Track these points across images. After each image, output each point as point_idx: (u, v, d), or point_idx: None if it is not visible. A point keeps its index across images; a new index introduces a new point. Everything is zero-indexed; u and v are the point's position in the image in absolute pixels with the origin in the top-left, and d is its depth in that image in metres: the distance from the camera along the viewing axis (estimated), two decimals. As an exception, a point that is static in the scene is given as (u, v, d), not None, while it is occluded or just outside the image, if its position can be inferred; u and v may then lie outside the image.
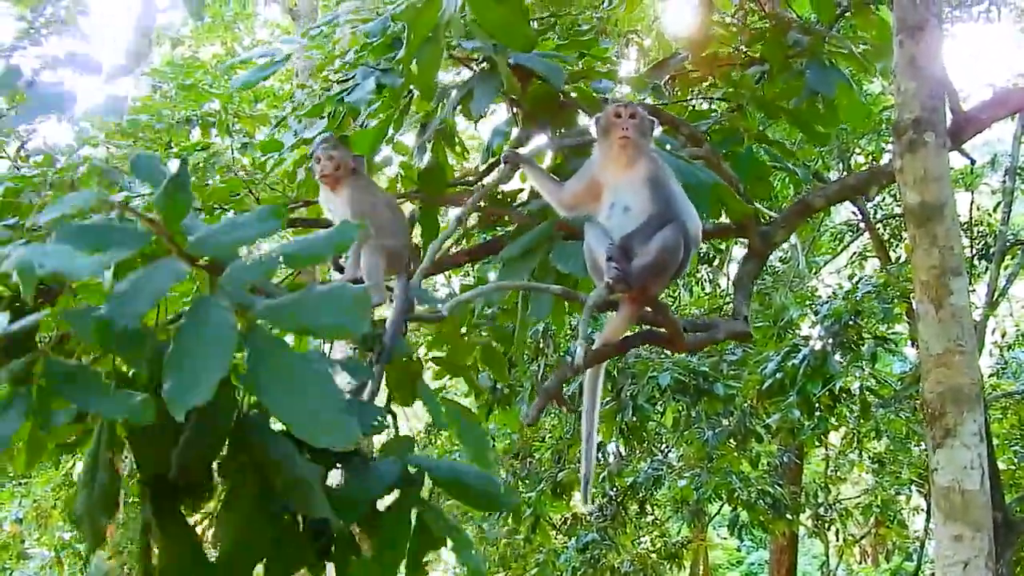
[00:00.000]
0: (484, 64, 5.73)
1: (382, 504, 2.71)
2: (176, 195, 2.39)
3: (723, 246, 15.27)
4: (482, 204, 5.79)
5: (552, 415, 14.90)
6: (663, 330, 5.01)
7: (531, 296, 5.63)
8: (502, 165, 5.30)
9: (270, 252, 2.40)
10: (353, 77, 6.06)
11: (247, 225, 2.49)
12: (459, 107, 5.76)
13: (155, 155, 2.96)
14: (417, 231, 6.23)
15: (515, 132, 6.23)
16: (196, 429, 2.33)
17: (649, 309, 4.82)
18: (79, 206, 2.53)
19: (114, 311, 2.18)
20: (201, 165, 10.59)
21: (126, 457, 2.54)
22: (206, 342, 2.12)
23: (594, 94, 6.00)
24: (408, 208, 6.18)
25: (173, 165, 2.57)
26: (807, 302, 14.32)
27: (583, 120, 6.04)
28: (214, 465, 2.46)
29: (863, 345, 12.32)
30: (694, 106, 7.55)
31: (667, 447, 16.16)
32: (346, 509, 2.56)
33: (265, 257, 2.39)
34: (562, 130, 6.03)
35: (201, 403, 2.02)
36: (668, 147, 5.72)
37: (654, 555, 16.87)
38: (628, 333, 4.95)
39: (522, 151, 5.52)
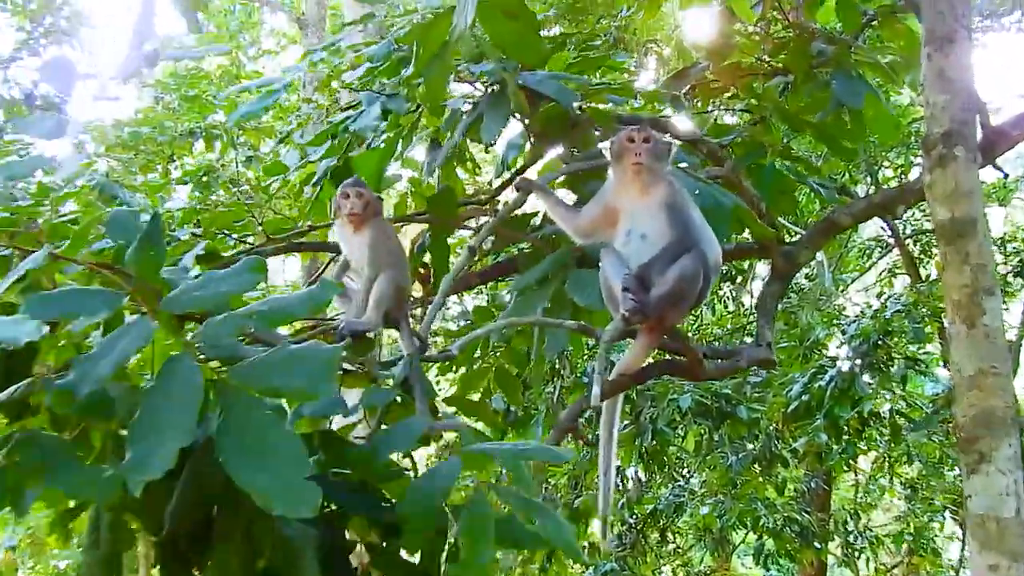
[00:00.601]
0: (493, 86, 5.75)
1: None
2: (149, 250, 2.41)
3: (746, 264, 15.24)
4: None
5: (569, 439, 14.87)
6: (683, 359, 5.01)
7: (548, 327, 5.61)
8: (515, 192, 5.32)
9: (246, 310, 2.40)
10: (358, 104, 6.09)
11: (226, 280, 2.51)
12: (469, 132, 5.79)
13: (129, 212, 2.93)
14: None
15: (528, 146, 6.24)
16: (186, 489, 2.33)
17: (668, 338, 4.83)
18: (30, 268, 2.54)
19: (75, 378, 2.21)
20: (205, 179, 10.67)
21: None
22: (170, 409, 2.13)
23: (608, 112, 6.00)
24: (409, 229, 6.21)
25: (147, 216, 2.56)
26: (834, 321, 14.23)
27: (598, 136, 6.04)
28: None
29: (893, 366, 12.26)
30: (715, 119, 7.54)
31: (689, 472, 16.07)
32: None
33: (238, 316, 2.39)
34: (575, 150, 6.03)
35: (159, 475, 2.02)
36: (686, 166, 5.71)
37: (676, 585, 16.81)
38: (646, 363, 4.95)
39: (535, 176, 5.54)
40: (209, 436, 2.18)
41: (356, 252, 5.01)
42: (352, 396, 3.44)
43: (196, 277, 2.57)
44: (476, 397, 6.70)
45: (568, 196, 5.99)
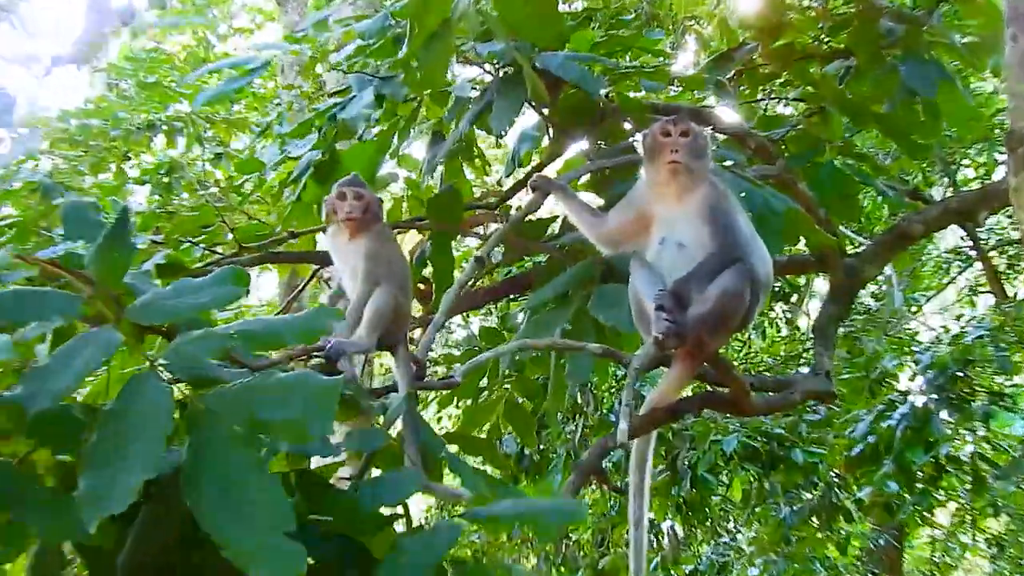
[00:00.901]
0: (506, 69, 5.74)
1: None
2: (114, 251, 2.40)
3: (803, 279, 15.22)
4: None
5: (593, 488, 14.85)
6: (726, 390, 5.01)
7: (568, 352, 5.60)
8: (529, 192, 5.32)
9: (228, 328, 2.40)
10: (347, 89, 6.09)
11: (204, 290, 2.50)
12: (477, 121, 5.79)
13: (85, 203, 2.93)
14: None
15: (546, 140, 6.25)
16: (144, 533, 2.32)
17: (709, 365, 4.82)
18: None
19: (26, 393, 2.19)
20: (166, 180, 10.68)
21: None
22: (134, 436, 2.12)
23: (640, 100, 6.02)
24: (406, 237, 6.22)
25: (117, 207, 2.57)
26: (905, 348, 14.20)
27: (627, 130, 6.06)
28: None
29: (975, 401, 12.21)
30: (765, 109, 7.56)
31: (735, 527, 16.04)
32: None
33: (219, 334, 2.39)
34: (602, 144, 6.04)
35: (120, 510, 2.01)
36: (731, 164, 5.71)
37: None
38: (683, 394, 4.94)
39: (553, 174, 5.54)
40: (175, 472, 2.17)
41: (350, 263, 4.97)
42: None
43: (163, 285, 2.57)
44: (483, 433, 6.71)
45: (592, 199, 6.01)
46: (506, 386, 7.04)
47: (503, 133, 5.63)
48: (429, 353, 4.88)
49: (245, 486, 2.15)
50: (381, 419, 3.79)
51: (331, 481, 3.15)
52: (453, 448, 4.57)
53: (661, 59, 7.42)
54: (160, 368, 2.29)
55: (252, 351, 2.71)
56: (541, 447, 12.55)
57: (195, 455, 2.18)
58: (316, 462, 3.33)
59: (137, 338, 2.42)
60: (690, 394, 5.13)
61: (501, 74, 5.86)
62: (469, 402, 7.10)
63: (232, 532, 2.10)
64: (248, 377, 2.38)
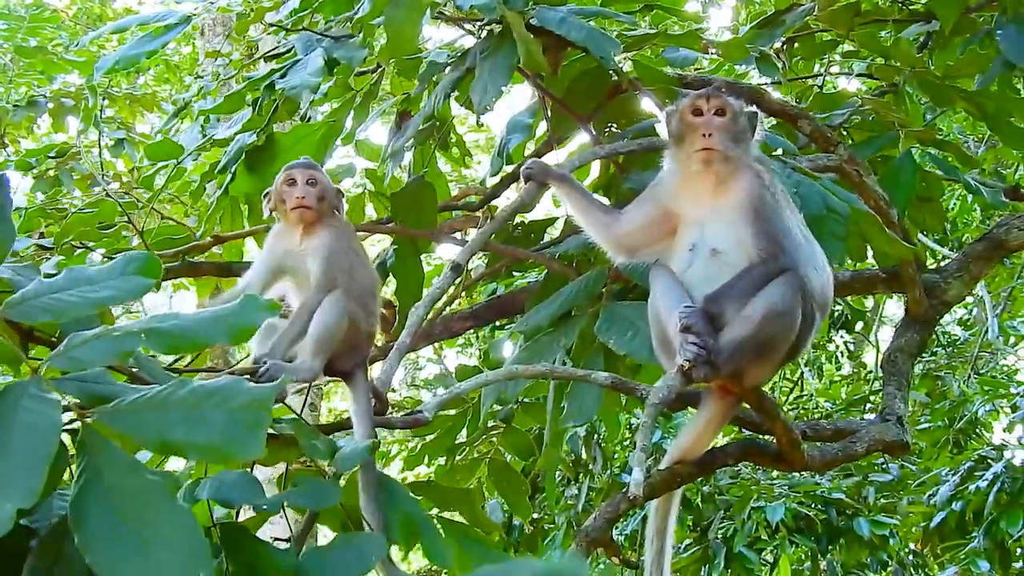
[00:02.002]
0: (492, 27, 5.71)
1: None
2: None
3: (870, 301, 15.24)
4: (492, 239, 5.77)
5: (601, 563, 14.83)
6: (771, 439, 5.00)
7: (568, 389, 5.58)
8: (522, 182, 5.24)
9: (130, 326, 2.39)
10: (291, 50, 6.06)
11: (101, 283, 2.49)
12: (455, 94, 5.77)
13: None
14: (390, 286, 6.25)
15: (543, 126, 6.23)
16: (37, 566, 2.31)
17: (749, 406, 4.81)
18: None
19: None
20: (52, 171, 10.65)
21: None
22: (8, 456, 2.09)
23: (663, 71, 6.02)
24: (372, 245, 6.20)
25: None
26: (1000, 390, 14.22)
27: (648, 108, 6.07)
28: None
29: (1089, 458, 12.25)
30: (823, 85, 7.57)
31: (782, 618, 16.03)
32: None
33: (119, 334, 2.38)
34: (614, 127, 6.04)
35: None
36: (781, 153, 5.72)
37: None
38: (715, 444, 4.94)
39: (552, 160, 5.51)
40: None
41: (301, 263, 4.92)
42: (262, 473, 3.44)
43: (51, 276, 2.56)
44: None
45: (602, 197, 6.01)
46: (491, 439, 7.01)
47: (487, 108, 5.45)
48: (391, 379, 4.80)
49: (147, 520, 2.13)
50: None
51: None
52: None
53: (690, 24, 7.40)
54: (46, 378, 2.28)
55: (172, 352, 2.69)
56: (535, 516, 12.53)
57: (85, 484, 2.15)
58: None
59: (17, 342, 2.41)
60: (725, 443, 5.12)
61: (485, 34, 5.81)
62: (443, 461, 7.08)
63: (128, 574, 2.08)
64: (154, 389, 2.35)
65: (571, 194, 5.11)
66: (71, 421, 2.25)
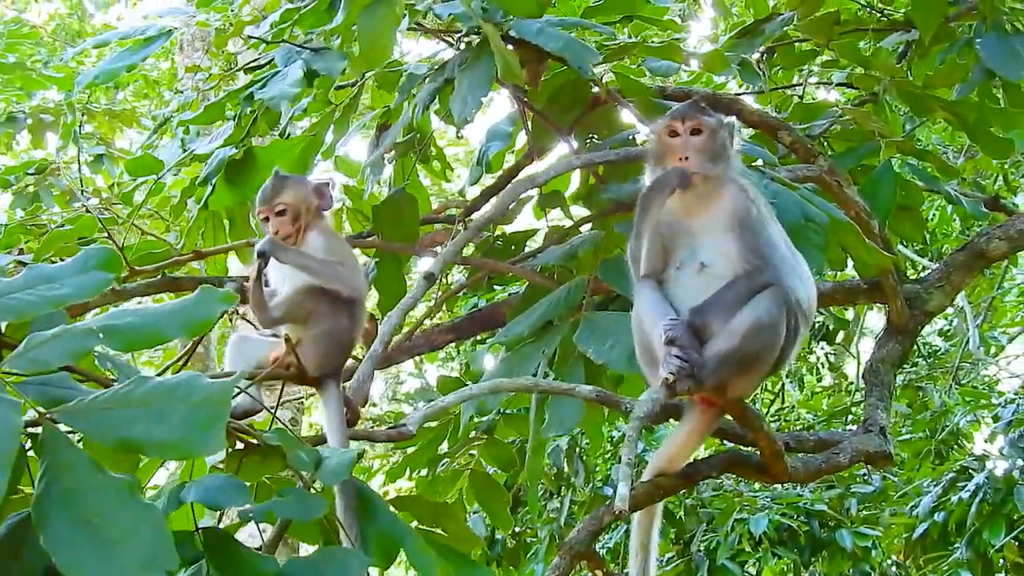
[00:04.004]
0: (471, 38, 5.69)
1: None
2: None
3: (851, 312, 15.25)
4: (471, 249, 5.76)
5: (582, 572, 14.81)
6: (753, 450, 5.00)
7: (549, 399, 5.56)
8: (498, 196, 5.22)
9: (87, 325, 2.38)
10: (270, 62, 6.04)
11: (61, 280, 2.48)
12: (435, 106, 5.76)
13: None
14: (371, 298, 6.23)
15: (523, 136, 6.22)
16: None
17: (732, 417, 4.81)
18: None
19: None
20: (31, 187, 10.62)
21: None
22: None
23: (645, 81, 6.02)
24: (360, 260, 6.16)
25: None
26: (982, 401, 14.23)
27: (629, 120, 6.06)
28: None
29: (1073, 468, 12.25)
30: (803, 95, 7.57)
31: (766, 630, 16.03)
32: None
33: (78, 331, 2.36)
34: (595, 138, 6.04)
35: None
36: (761, 164, 5.71)
37: None
38: (698, 454, 4.93)
39: (531, 171, 5.50)
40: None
41: (288, 278, 4.95)
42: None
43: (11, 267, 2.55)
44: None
45: (580, 211, 6.00)
46: (472, 452, 7.00)
47: (467, 120, 5.44)
48: (363, 389, 4.76)
49: (111, 518, 2.13)
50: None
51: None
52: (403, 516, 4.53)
53: (671, 32, 7.41)
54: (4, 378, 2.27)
55: (131, 349, 2.68)
56: (517, 529, 12.51)
57: (48, 484, 2.16)
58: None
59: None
60: (708, 455, 5.11)
61: (464, 46, 5.80)
62: (424, 472, 7.06)
63: (94, 573, 2.08)
64: (114, 388, 2.35)
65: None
66: (32, 423, 2.24)
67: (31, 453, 2.27)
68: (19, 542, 2.17)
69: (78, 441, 2.32)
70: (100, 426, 2.24)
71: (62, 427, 2.26)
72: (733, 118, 4.85)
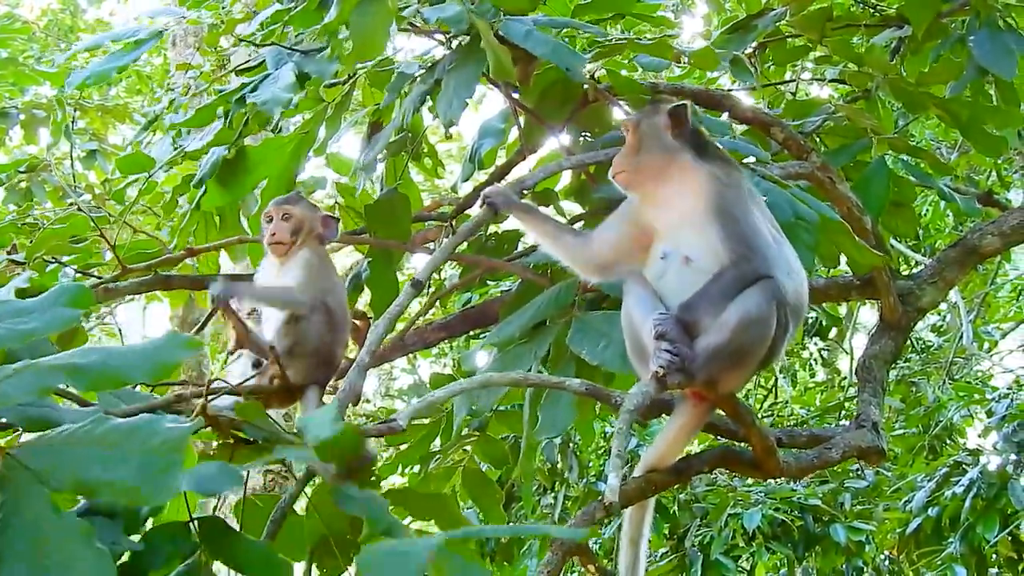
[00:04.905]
0: (461, 38, 5.69)
1: None
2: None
3: (844, 308, 15.25)
4: (464, 246, 5.75)
5: (575, 570, 14.79)
6: (745, 445, 5.01)
7: (541, 400, 5.54)
8: (480, 207, 5.24)
9: (55, 360, 2.38)
10: (262, 63, 6.03)
11: (31, 313, 2.50)
12: (428, 104, 5.75)
13: None
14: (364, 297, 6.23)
15: (515, 132, 6.22)
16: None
17: (724, 412, 4.83)
18: None
19: None
20: (23, 184, 10.60)
21: None
22: None
23: (636, 77, 6.01)
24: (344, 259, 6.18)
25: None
26: (975, 396, 14.23)
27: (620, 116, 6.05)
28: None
29: (1065, 463, 12.24)
30: (795, 92, 7.58)
31: (759, 625, 16.01)
32: None
33: (43, 368, 2.37)
34: (586, 135, 6.03)
35: None
36: (753, 161, 5.71)
37: None
38: (691, 450, 4.93)
39: (523, 169, 5.50)
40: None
41: (278, 280, 5.09)
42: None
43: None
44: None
45: (574, 208, 5.99)
46: (465, 448, 6.99)
47: (453, 120, 5.43)
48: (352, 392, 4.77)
49: (64, 560, 2.13)
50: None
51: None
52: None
53: (663, 28, 7.40)
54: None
55: (94, 389, 2.68)
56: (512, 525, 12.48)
57: (5, 519, 2.16)
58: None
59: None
60: (700, 450, 5.11)
61: (454, 46, 5.80)
62: (416, 469, 7.06)
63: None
64: (74, 426, 2.36)
65: (536, 223, 5.13)
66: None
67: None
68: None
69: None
70: (56, 465, 2.25)
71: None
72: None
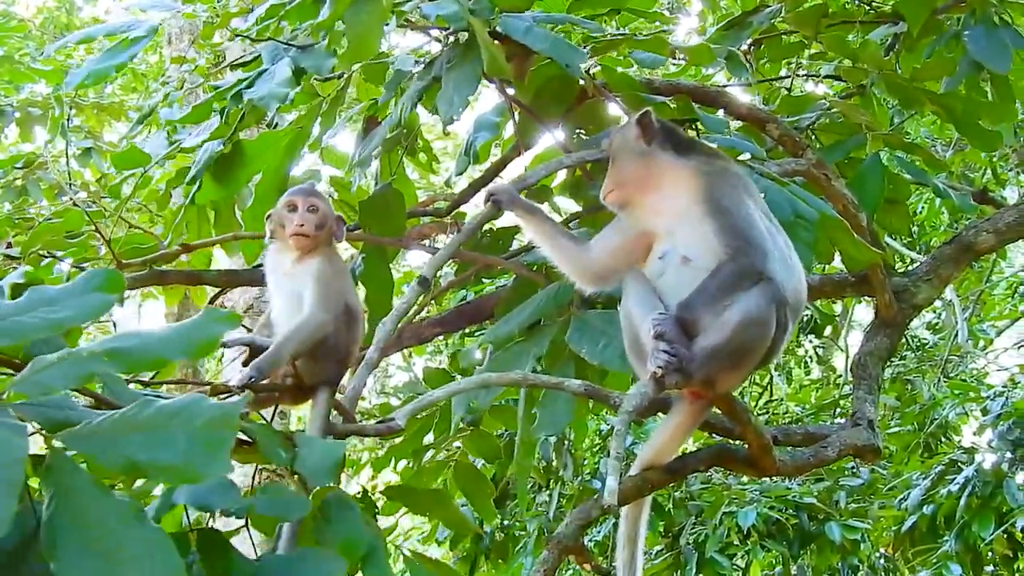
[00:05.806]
0: (458, 35, 5.69)
1: None
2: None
3: (839, 306, 15.24)
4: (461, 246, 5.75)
5: (572, 572, 14.79)
6: (741, 443, 5.00)
7: (539, 398, 5.55)
8: (485, 205, 5.19)
9: (92, 347, 2.37)
10: (257, 58, 6.02)
11: (62, 301, 2.48)
12: (421, 101, 5.75)
13: None
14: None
15: (510, 128, 6.21)
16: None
17: (720, 411, 4.82)
18: None
19: None
20: (19, 181, 10.60)
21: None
22: None
23: (632, 74, 6.01)
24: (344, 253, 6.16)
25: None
26: (971, 394, 14.23)
27: (616, 114, 6.05)
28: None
29: (1060, 461, 12.23)
30: (790, 88, 7.58)
31: (754, 623, 16.01)
32: None
33: (82, 356, 2.36)
34: (582, 132, 6.03)
35: None
36: (749, 158, 5.71)
37: None
38: (686, 448, 4.93)
39: (519, 164, 5.50)
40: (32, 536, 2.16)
41: (294, 288, 4.92)
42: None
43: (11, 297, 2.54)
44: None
45: (570, 205, 5.99)
46: (457, 444, 6.98)
47: (454, 118, 5.41)
48: (358, 394, 4.75)
49: (119, 541, 2.12)
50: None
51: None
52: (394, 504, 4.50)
53: (658, 24, 7.39)
54: (8, 404, 2.27)
55: (134, 371, 2.68)
56: (505, 523, 12.49)
57: (55, 509, 2.14)
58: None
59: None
60: (696, 449, 5.11)
61: (451, 42, 5.79)
62: (409, 463, 7.05)
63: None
64: (118, 411, 2.34)
65: (537, 225, 5.07)
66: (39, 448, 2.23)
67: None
68: (17, 567, 2.16)
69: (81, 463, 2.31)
70: (105, 450, 2.23)
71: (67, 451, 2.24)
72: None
